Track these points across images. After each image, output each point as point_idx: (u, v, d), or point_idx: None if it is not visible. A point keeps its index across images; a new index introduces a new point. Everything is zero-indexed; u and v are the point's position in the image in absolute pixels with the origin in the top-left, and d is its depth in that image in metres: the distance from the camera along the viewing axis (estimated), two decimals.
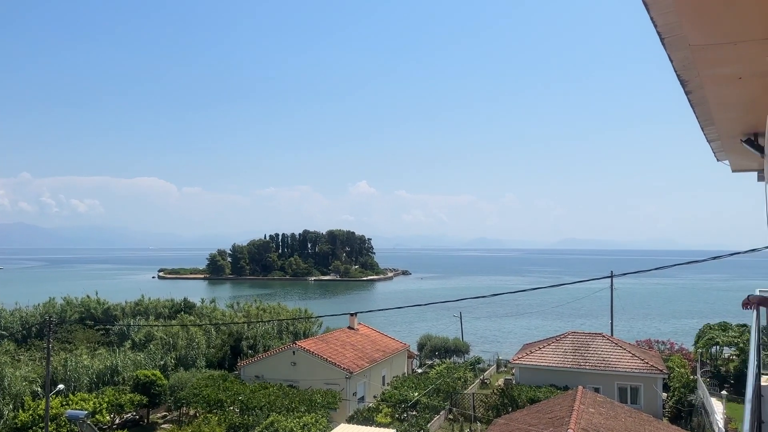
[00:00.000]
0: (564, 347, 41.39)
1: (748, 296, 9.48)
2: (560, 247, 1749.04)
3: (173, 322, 60.56)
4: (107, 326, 62.02)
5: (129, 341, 53.29)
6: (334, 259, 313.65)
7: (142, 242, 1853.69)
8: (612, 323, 59.09)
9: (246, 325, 56.72)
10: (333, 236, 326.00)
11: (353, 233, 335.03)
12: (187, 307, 73.63)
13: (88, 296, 74.91)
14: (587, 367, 38.80)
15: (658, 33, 5.04)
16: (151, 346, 49.02)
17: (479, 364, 57.38)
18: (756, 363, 8.17)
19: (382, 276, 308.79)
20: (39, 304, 76.05)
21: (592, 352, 40.33)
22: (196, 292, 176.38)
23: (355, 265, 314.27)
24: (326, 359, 39.02)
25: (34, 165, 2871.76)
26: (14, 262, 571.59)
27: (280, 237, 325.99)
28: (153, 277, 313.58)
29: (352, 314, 50.59)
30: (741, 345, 46.15)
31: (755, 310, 9.43)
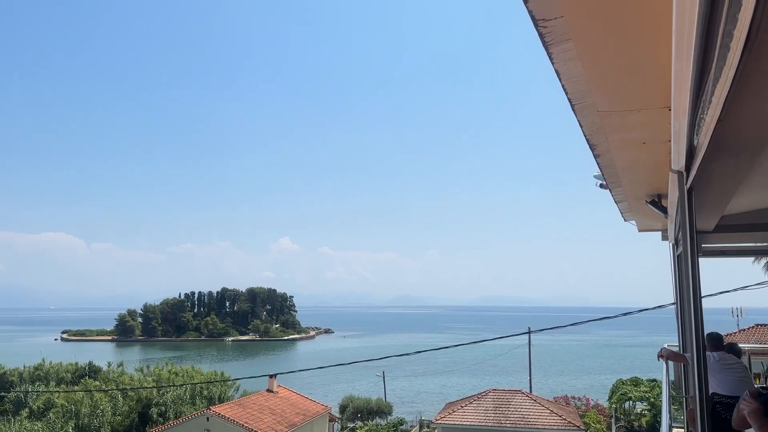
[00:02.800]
0: (485, 405, 41.53)
1: (661, 349, 9.90)
2: (481, 304, 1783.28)
3: (76, 387, 56.31)
4: (1, 393, 56.84)
5: (26, 410, 48.97)
6: (254, 318, 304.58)
7: (47, 301, 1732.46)
8: (530, 380, 60.08)
9: (156, 390, 53.45)
10: (253, 294, 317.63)
11: (274, 291, 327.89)
12: (92, 371, 68.96)
13: None
14: (508, 425, 38.99)
15: (569, 99, 5.31)
16: (51, 414, 45.21)
17: (402, 425, 56.54)
18: (668, 416, 8.43)
19: (303, 335, 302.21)
20: None
21: (512, 409, 40.65)
22: (103, 355, 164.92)
23: (276, 323, 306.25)
24: (242, 425, 37.22)
25: None
26: None
27: (196, 295, 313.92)
28: (56, 339, 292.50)
29: (271, 376, 48.91)
30: (652, 399, 47.95)
31: (665, 363, 9.83)
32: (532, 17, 3.74)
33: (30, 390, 55.56)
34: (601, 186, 9.38)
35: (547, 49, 4.20)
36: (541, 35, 3.99)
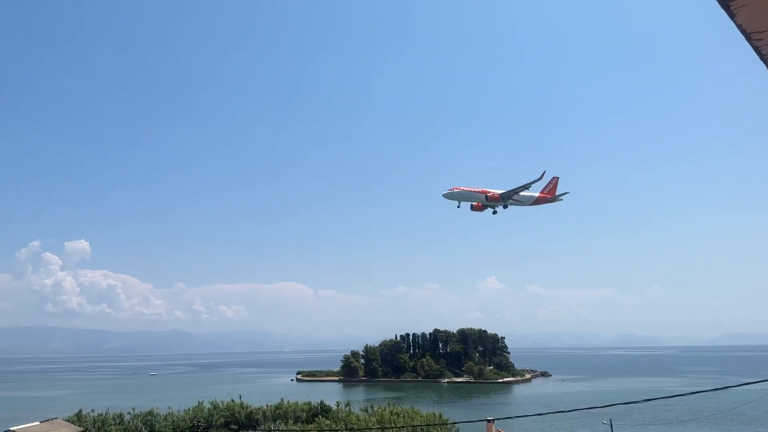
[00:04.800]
0: None
1: None
2: (720, 344, 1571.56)
3: (311, 426, 61.15)
4: (250, 431, 63.81)
5: None
6: (467, 359, 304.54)
7: (283, 345, 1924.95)
8: None
9: (380, 430, 55.87)
10: (464, 335, 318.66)
11: (485, 332, 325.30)
12: (324, 410, 74.16)
13: (232, 400, 77.97)
14: None
15: None
16: None
17: None
18: None
19: (519, 378, 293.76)
20: (189, 409, 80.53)
21: None
22: (332, 394, 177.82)
23: (489, 365, 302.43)
24: None
25: (187, 276, 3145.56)
26: (169, 368, 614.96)
27: (411, 337, 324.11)
28: (292, 380, 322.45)
29: (489, 421, 48.28)
30: None
31: None
32: (743, 31, 3.61)
33: (272, 428, 61.44)
34: None
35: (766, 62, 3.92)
36: (756, 48, 3.81)
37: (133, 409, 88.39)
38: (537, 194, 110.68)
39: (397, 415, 66.96)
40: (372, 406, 76.35)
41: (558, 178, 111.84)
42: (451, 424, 62.93)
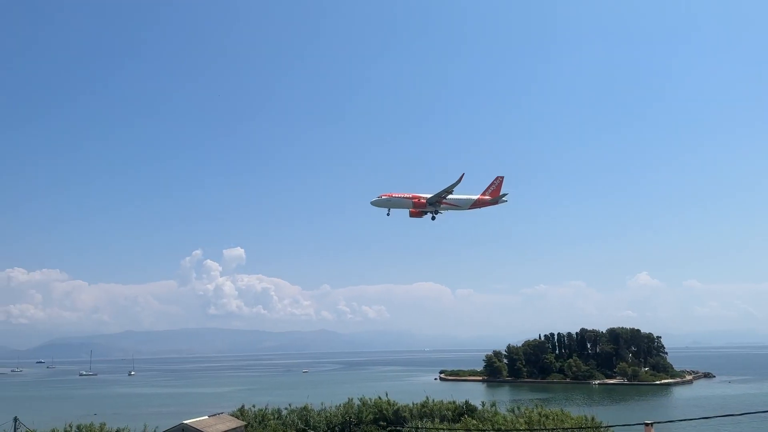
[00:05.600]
0: None
1: None
2: None
3: (457, 425, 61.23)
4: (398, 428, 65.16)
5: None
6: (619, 359, 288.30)
7: (422, 344, 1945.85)
8: None
9: None
10: (615, 334, 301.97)
11: (638, 331, 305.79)
12: (469, 410, 73.93)
13: (379, 397, 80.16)
14: None
15: None
16: None
17: None
18: None
19: (678, 379, 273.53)
20: (340, 405, 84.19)
21: None
22: (476, 394, 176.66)
23: (645, 366, 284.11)
24: None
25: (332, 278, 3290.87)
26: (319, 366, 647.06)
27: (555, 337, 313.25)
28: (435, 379, 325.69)
29: (647, 424, 45.24)
30: None
31: None
32: None
33: (420, 426, 62.28)
34: None
35: None
36: None
37: (290, 405, 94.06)
38: (476, 197, 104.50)
39: (546, 416, 65.00)
40: (518, 407, 74.83)
41: (503, 177, 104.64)
42: (605, 427, 59.94)
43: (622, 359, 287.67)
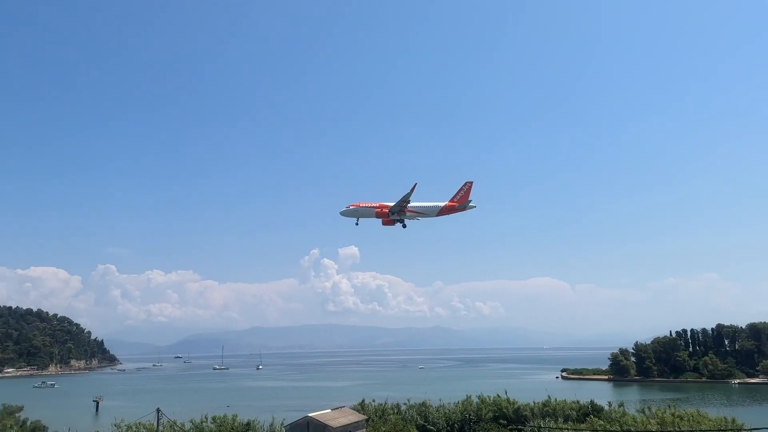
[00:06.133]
0: None
1: None
2: None
3: (583, 426, 58.87)
4: (519, 427, 63.84)
5: None
6: (761, 357, 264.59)
7: (538, 341, 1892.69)
8: None
9: None
10: (756, 330, 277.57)
11: None
12: (595, 410, 70.92)
13: (498, 395, 78.94)
14: None
15: None
16: None
17: None
18: None
19: None
20: (458, 402, 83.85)
21: None
22: (602, 393, 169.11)
23: None
24: None
25: (444, 275, 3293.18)
26: (435, 362, 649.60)
27: (688, 333, 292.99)
28: (556, 377, 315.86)
29: None
30: None
31: None
32: None
33: (542, 426, 60.54)
34: None
35: None
36: None
37: (408, 400, 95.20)
38: (442, 204, 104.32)
39: (681, 418, 60.89)
40: (649, 408, 70.72)
41: (471, 183, 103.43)
42: (748, 430, 55.12)
43: (765, 357, 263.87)
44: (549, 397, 76.60)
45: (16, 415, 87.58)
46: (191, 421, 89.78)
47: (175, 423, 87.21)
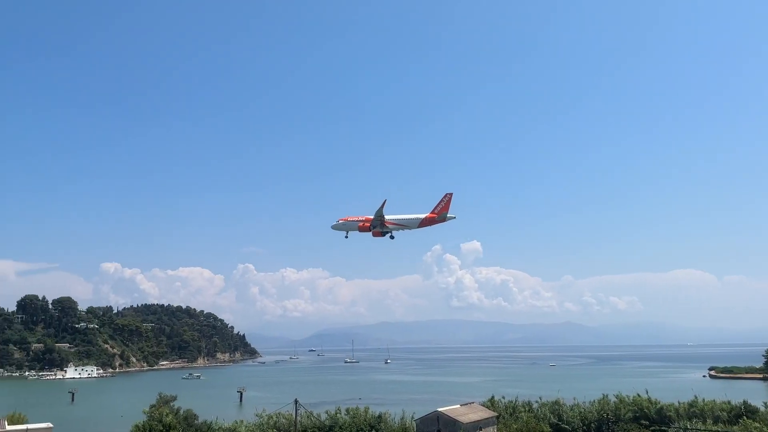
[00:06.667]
0: None
1: None
2: None
3: (735, 428, 54.35)
4: (663, 428, 60.22)
5: None
6: None
7: (680, 338, 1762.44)
8: None
9: None
10: None
11: None
12: (749, 411, 65.18)
13: (638, 395, 74.90)
14: None
15: None
16: None
17: None
18: None
19: None
20: (594, 401, 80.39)
21: None
22: (756, 394, 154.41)
23: None
24: None
25: (574, 268, 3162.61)
26: (566, 360, 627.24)
27: None
28: (704, 376, 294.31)
29: None
30: None
31: None
32: None
33: (688, 427, 56.71)
34: None
35: None
36: None
37: (540, 398, 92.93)
38: (423, 216, 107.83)
39: None
40: None
41: (451, 194, 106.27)
42: None
43: None
44: (696, 397, 71.47)
45: (171, 404, 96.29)
46: (326, 412, 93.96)
47: (311, 413, 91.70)
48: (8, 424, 69.28)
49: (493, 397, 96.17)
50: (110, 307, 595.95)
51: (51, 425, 71.11)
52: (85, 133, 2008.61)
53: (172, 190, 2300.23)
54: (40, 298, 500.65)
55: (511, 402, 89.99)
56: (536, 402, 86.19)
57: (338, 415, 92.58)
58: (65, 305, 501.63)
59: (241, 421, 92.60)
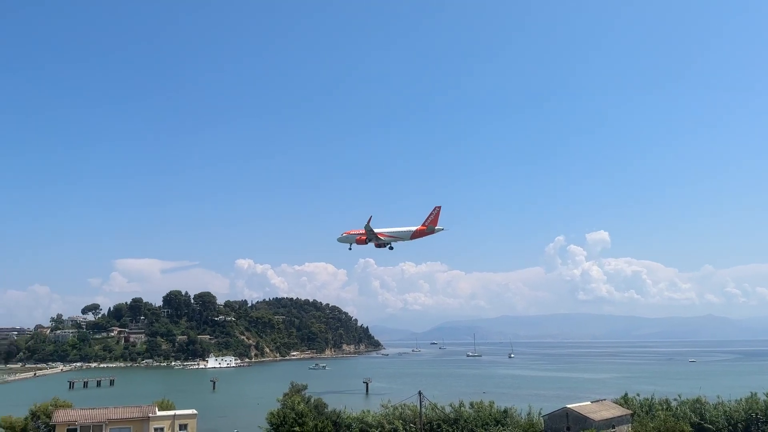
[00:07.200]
0: None
1: None
2: None
3: None
4: None
5: None
6: None
7: None
8: None
9: None
10: None
11: None
12: None
13: None
14: None
15: None
16: None
17: None
18: None
19: None
20: (741, 399, 73.83)
21: None
22: None
23: None
24: None
25: (714, 257, 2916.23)
26: (708, 355, 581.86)
27: None
28: None
29: None
30: None
31: None
32: None
33: None
34: None
35: None
36: None
37: (679, 396, 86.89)
38: (414, 228, 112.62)
39: None
40: None
41: (440, 207, 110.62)
42: None
43: None
44: None
45: (302, 392, 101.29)
46: (450, 405, 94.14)
47: (435, 405, 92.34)
48: (159, 410, 76.63)
49: (626, 394, 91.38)
50: (245, 300, 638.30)
51: (195, 411, 77.53)
52: (224, 149, 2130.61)
53: (297, 197, 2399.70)
54: (183, 293, 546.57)
55: (647, 399, 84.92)
56: (675, 400, 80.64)
57: (462, 408, 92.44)
58: (205, 299, 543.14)
59: (368, 411, 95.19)
